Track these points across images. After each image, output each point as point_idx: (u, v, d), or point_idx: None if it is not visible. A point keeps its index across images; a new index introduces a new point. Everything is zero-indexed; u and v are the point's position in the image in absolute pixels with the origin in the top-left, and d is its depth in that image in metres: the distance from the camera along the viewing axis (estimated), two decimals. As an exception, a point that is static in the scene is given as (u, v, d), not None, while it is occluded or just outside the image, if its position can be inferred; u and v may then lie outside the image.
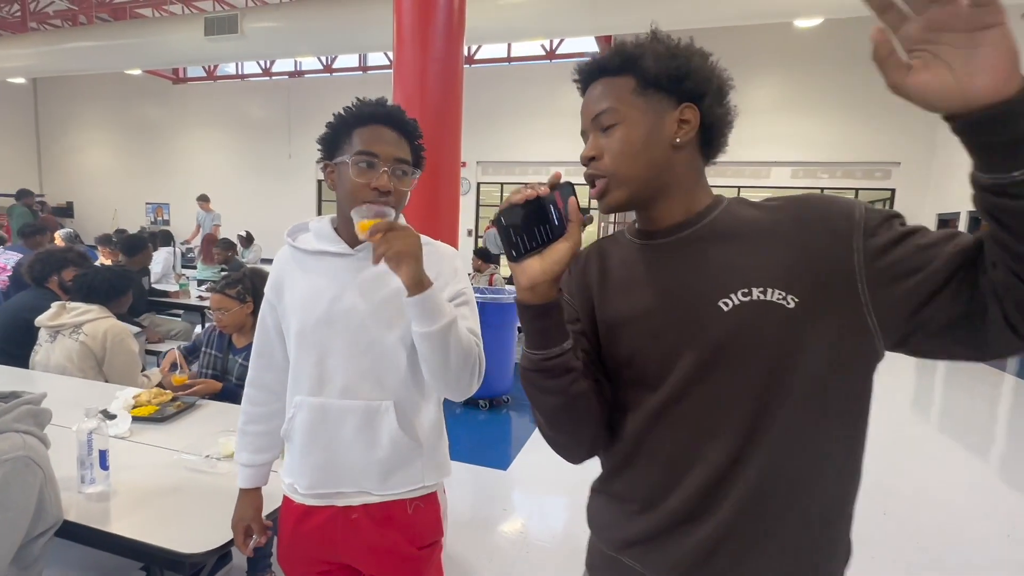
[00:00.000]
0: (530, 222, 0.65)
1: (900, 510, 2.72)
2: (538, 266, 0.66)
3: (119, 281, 2.38)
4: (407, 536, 1.01)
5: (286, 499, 1.06)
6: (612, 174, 0.71)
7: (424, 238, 1.04)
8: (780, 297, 0.63)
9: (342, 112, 0.98)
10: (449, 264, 1.03)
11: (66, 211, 15.47)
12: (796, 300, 0.62)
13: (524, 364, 0.72)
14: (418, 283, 0.86)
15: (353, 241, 1.00)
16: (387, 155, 0.94)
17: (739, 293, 0.64)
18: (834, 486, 0.69)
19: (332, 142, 0.99)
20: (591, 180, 0.73)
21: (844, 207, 0.64)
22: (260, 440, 1.10)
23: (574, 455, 0.78)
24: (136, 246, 4.15)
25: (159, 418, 1.73)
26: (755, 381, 0.64)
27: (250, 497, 1.11)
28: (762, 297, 0.63)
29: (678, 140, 0.70)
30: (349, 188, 0.95)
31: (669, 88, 0.69)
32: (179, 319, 4.46)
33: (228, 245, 5.77)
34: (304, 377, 0.99)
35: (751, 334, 0.64)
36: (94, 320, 2.22)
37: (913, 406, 4.74)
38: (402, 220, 1.03)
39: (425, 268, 0.94)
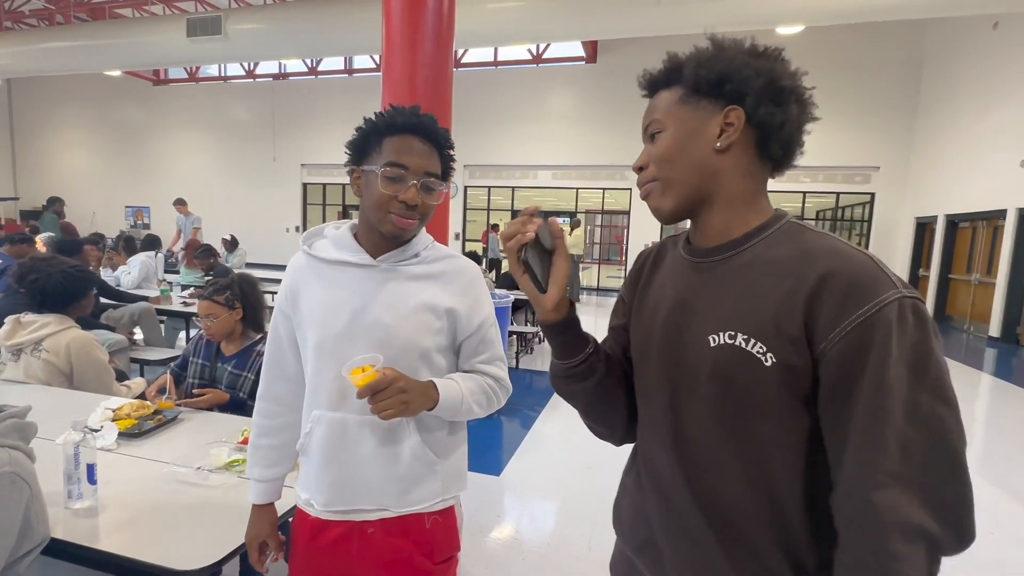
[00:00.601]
0: (539, 256, 0.73)
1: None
2: (554, 289, 0.73)
3: (75, 283, 2.12)
4: (424, 551, 0.99)
5: (300, 512, 1.03)
6: (656, 177, 0.72)
7: (445, 249, 1.03)
8: (760, 351, 0.62)
9: (373, 118, 0.95)
10: (474, 289, 1.01)
11: (42, 215, 15.09)
12: (774, 359, 0.62)
13: (553, 371, 0.80)
14: (425, 409, 0.91)
15: (376, 251, 0.97)
16: (417, 168, 0.92)
17: (726, 334, 0.65)
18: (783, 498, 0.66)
19: (361, 148, 0.96)
20: (641, 186, 0.76)
21: (863, 290, 0.58)
22: (273, 454, 1.07)
23: (611, 439, 0.86)
24: (71, 251, 3.81)
25: (136, 432, 1.66)
26: (714, 414, 0.67)
27: (264, 512, 1.08)
28: (743, 346, 0.63)
29: (719, 144, 0.68)
30: (376, 199, 0.92)
31: (712, 93, 0.69)
32: (112, 331, 4.23)
33: (208, 253, 5.65)
34: (323, 391, 0.96)
35: (722, 375, 0.65)
36: (53, 334, 2.04)
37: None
38: (423, 237, 1.02)
39: (453, 289, 0.98)
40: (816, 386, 0.61)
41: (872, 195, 10.45)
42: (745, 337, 0.63)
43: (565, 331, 0.75)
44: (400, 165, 0.91)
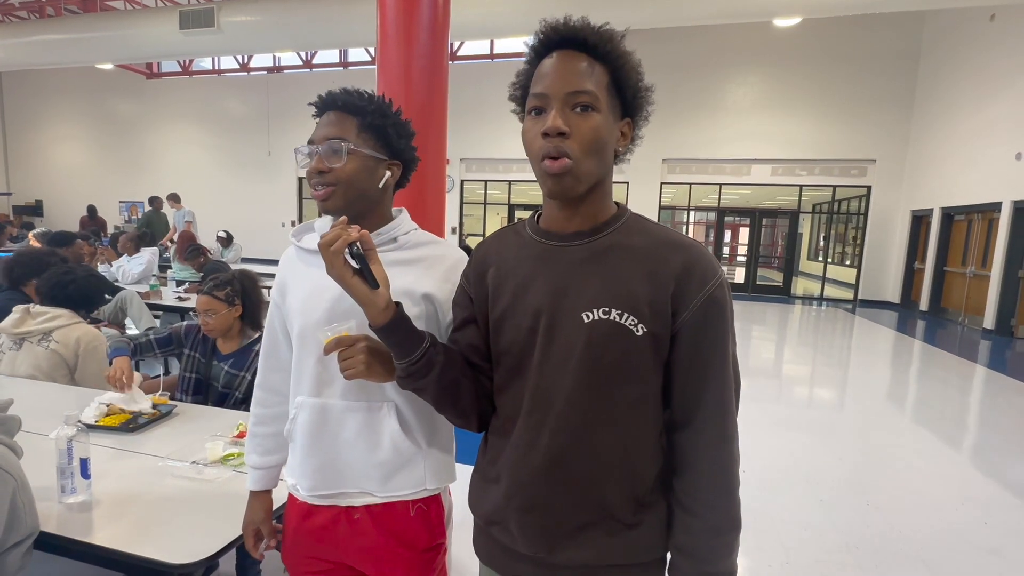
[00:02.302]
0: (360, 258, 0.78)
1: (882, 501, 2.78)
2: (383, 287, 0.79)
3: (95, 290, 2.25)
4: (409, 538, 1.00)
5: (290, 496, 1.05)
6: (576, 159, 0.72)
7: (429, 236, 1.04)
8: (632, 323, 0.73)
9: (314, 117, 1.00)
10: (455, 276, 0.99)
11: (35, 209, 14.98)
12: (645, 329, 0.73)
13: (397, 373, 0.82)
14: (392, 378, 0.89)
15: None
16: (320, 138, 0.94)
17: (600, 310, 0.74)
18: (641, 464, 0.80)
19: None
20: (556, 154, 0.71)
21: (705, 273, 0.74)
22: (269, 442, 1.08)
23: (469, 427, 0.89)
24: (61, 243, 3.86)
25: (131, 427, 1.65)
26: (587, 383, 0.75)
27: (260, 500, 1.09)
28: (617, 319, 0.73)
29: (620, 148, 0.78)
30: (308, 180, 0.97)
31: (623, 98, 0.75)
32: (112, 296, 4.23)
33: (197, 252, 5.59)
34: (306, 377, 0.98)
35: (597, 346, 0.74)
36: (65, 326, 2.10)
37: (890, 398, 4.86)
38: (403, 222, 1.01)
39: (433, 275, 0.97)
40: (670, 351, 0.76)
41: (868, 188, 10.47)
42: (619, 312, 0.73)
43: (398, 329, 0.79)
44: (309, 142, 0.96)
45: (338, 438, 0.96)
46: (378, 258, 0.81)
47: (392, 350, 0.81)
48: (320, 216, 1.05)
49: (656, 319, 0.73)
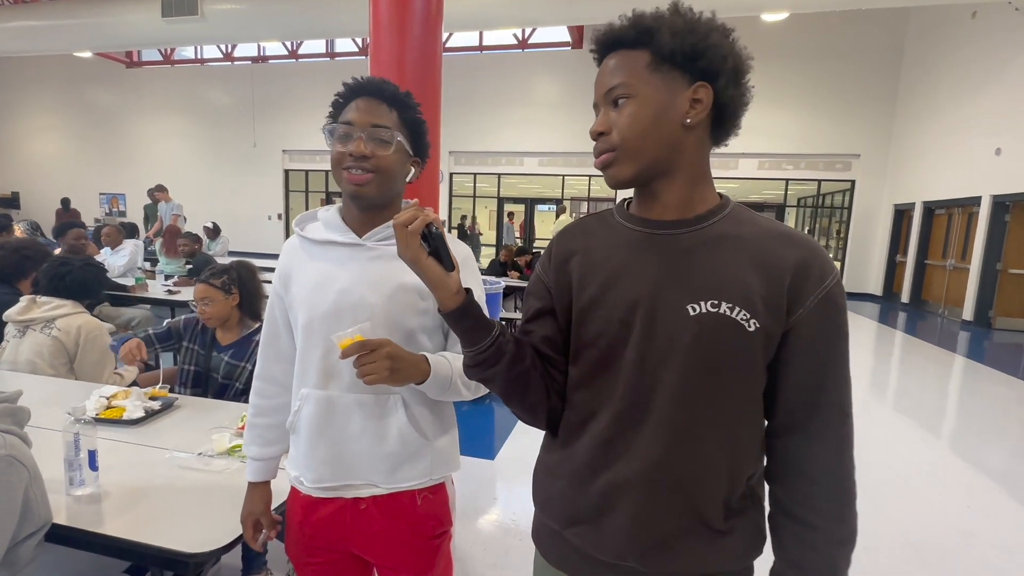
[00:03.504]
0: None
1: (868, 486, 2.86)
2: (456, 271, 0.76)
3: (92, 279, 2.27)
4: (416, 526, 1.01)
5: (293, 489, 1.04)
6: (620, 147, 0.71)
7: None
8: (744, 318, 0.68)
9: (336, 97, 0.98)
10: (463, 270, 0.98)
11: (11, 202, 14.58)
12: (757, 325, 0.68)
13: (465, 361, 0.79)
14: (412, 382, 0.89)
15: (360, 228, 0.98)
16: (362, 122, 0.93)
17: (708, 303, 0.69)
18: (731, 476, 0.74)
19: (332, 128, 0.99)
20: (599, 154, 0.73)
21: (823, 270, 0.69)
22: (269, 433, 1.08)
23: (537, 424, 0.84)
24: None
25: (129, 420, 1.64)
26: (695, 381, 0.70)
27: (259, 491, 1.09)
28: (728, 313, 0.68)
29: (689, 120, 0.69)
30: (333, 159, 0.95)
31: (684, 65, 0.68)
32: (135, 307, 4.25)
33: (194, 238, 5.54)
34: (311, 370, 0.97)
35: (705, 341, 0.69)
36: (67, 315, 2.11)
37: (872, 388, 4.98)
38: (430, 212, 1.01)
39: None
40: (779, 349, 0.71)
41: (852, 182, 10.64)
42: (730, 305, 0.68)
43: (468, 315, 0.75)
44: (346, 122, 0.93)
45: (345, 431, 0.96)
46: (447, 243, 0.78)
47: (460, 337, 0.77)
48: (324, 207, 1.05)
49: (770, 314, 0.68)
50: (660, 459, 0.72)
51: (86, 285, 2.22)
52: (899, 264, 10.04)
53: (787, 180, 11.04)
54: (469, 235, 11.88)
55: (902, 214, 10.00)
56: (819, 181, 11.05)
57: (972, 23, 8.14)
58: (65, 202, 11.20)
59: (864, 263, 10.76)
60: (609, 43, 0.72)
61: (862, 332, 7.45)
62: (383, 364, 0.83)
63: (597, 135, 0.73)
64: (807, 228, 13.97)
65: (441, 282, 0.74)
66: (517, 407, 0.81)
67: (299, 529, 1.03)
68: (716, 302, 0.68)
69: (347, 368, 0.95)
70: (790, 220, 15.68)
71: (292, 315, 1.01)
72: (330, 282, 0.95)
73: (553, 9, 6.82)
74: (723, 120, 0.72)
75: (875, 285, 10.67)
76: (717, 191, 0.76)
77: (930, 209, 9.09)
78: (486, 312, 0.80)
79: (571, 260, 0.80)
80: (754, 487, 0.76)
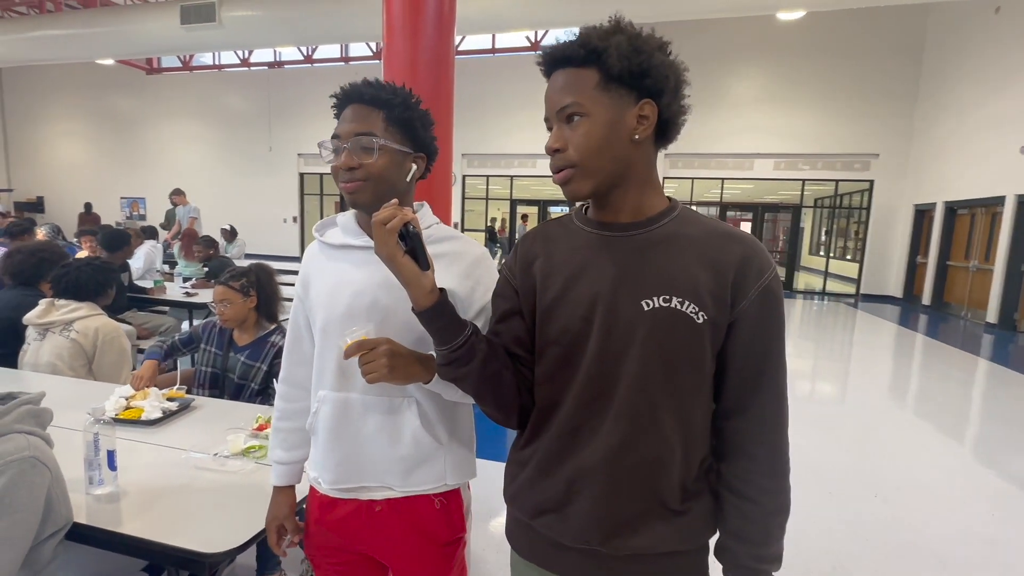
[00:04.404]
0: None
1: (889, 492, 2.80)
2: (431, 273, 0.79)
3: (102, 276, 2.31)
4: (430, 532, 1.01)
5: (312, 488, 1.05)
6: (577, 165, 0.76)
7: (449, 230, 1.04)
8: (693, 311, 0.74)
9: (333, 109, 0.98)
10: (477, 272, 1.00)
11: (36, 206, 14.97)
12: (705, 317, 0.74)
13: (438, 360, 0.83)
14: (415, 380, 0.89)
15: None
16: (347, 133, 0.92)
17: (660, 298, 0.74)
18: (684, 464, 0.80)
19: None
20: (557, 169, 0.78)
21: (762, 265, 0.75)
22: (293, 437, 1.09)
23: (508, 423, 0.88)
24: (117, 241, 4.05)
25: (147, 421, 1.67)
26: (651, 370, 0.75)
27: (284, 495, 1.09)
28: (679, 307, 0.74)
29: (637, 137, 0.75)
30: (332, 171, 0.96)
31: (631, 84, 0.73)
32: (165, 315, 4.36)
33: (209, 243, 5.62)
34: (328, 372, 0.98)
35: (658, 334, 0.74)
36: (85, 317, 2.16)
37: (893, 392, 4.88)
38: (425, 216, 1.01)
39: (454, 271, 0.96)
40: (725, 339, 0.77)
41: (871, 182, 10.45)
42: (680, 300, 0.74)
43: (441, 315, 0.79)
44: (335, 136, 0.94)
45: (360, 432, 0.97)
46: (424, 243, 0.81)
47: (434, 336, 0.80)
48: (345, 210, 1.06)
49: (716, 307, 0.74)
50: (621, 444, 0.77)
51: (97, 282, 2.25)
52: (920, 265, 9.84)
53: (803, 180, 10.89)
54: (498, 239, 11.90)
55: (923, 214, 9.81)
56: (836, 181, 10.87)
57: (996, 18, 7.97)
58: (87, 206, 11.56)
59: (883, 265, 10.56)
60: (559, 60, 0.76)
61: (882, 335, 7.31)
62: (381, 362, 0.83)
63: (553, 151, 0.77)
64: (824, 229, 13.79)
65: (415, 280, 0.78)
66: (490, 406, 0.85)
67: (316, 528, 1.04)
68: (668, 297, 0.74)
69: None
70: (807, 221, 15.51)
71: (311, 318, 1.02)
72: (345, 285, 0.96)
73: (565, 11, 6.81)
74: (666, 131, 0.78)
75: (895, 287, 10.47)
76: (667, 195, 0.83)
77: (952, 209, 8.89)
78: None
79: (535, 263, 0.85)
80: (707, 470, 0.83)
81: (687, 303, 0.73)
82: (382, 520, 0.99)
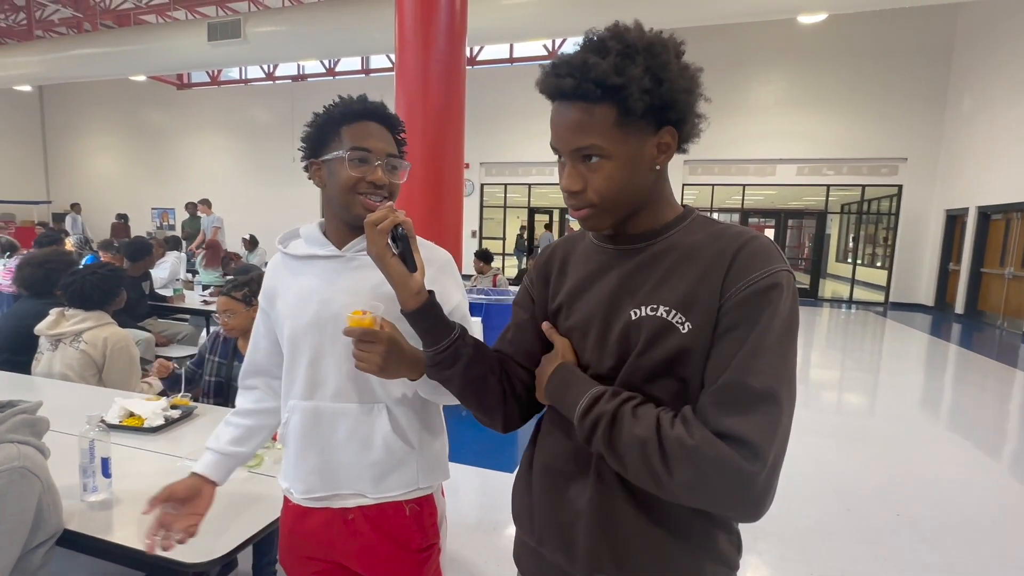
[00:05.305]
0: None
1: (913, 510, 2.68)
2: (419, 272, 0.80)
3: (108, 282, 2.30)
4: (402, 539, 1.01)
5: (285, 499, 1.06)
6: (599, 205, 0.73)
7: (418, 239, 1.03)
8: (679, 320, 0.69)
9: (327, 109, 0.98)
10: (443, 277, 1.01)
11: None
12: (690, 326, 0.69)
13: (425, 362, 0.83)
14: (405, 376, 0.88)
15: (341, 242, 1.00)
16: (379, 150, 0.96)
17: (648, 308, 0.72)
18: None
19: (318, 140, 0.99)
20: (576, 208, 0.75)
21: (754, 262, 0.67)
22: (237, 433, 1.11)
23: (494, 426, 0.86)
24: (140, 251, 4.17)
25: (149, 428, 1.69)
26: (629, 381, 0.73)
27: (197, 481, 1.05)
28: (664, 316, 0.70)
29: (658, 166, 0.72)
30: (343, 182, 0.94)
31: (650, 116, 0.69)
32: (185, 323, 4.47)
33: (227, 261, 5.80)
34: (297, 381, 0.99)
35: (644, 342, 0.71)
36: (94, 328, 2.19)
37: (923, 404, 4.68)
38: (400, 214, 1.01)
39: (427, 279, 0.94)
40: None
41: (899, 187, 10.15)
42: (667, 309, 0.70)
43: (428, 316, 0.79)
44: (364, 148, 0.95)
45: (331, 440, 0.98)
46: (417, 245, 0.82)
47: (421, 337, 0.81)
48: (306, 224, 1.07)
49: (704, 314, 0.68)
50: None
51: (103, 291, 2.26)
52: (952, 273, 9.48)
53: (828, 186, 10.63)
54: (527, 246, 11.91)
55: (954, 220, 9.46)
56: (863, 186, 10.59)
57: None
58: (122, 217, 12.16)
59: (913, 272, 10.21)
60: (568, 95, 0.69)
61: (912, 345, 7.05)
62: (375, 360, 0.83)
63: (570, 192, 0.73)
64: (851, 235, 13.43)
65: (403, 282, 0.79)
66: (474, 408, 0.85)
67: (289, 538, 1.05)
68: (655, 306, 0.71)
69: (332, 377, 0.97)
70: (833, 227, 15.11)
71: (278, 330, 1.03)
72: (312, 294, 0.98)
73: (581, 20, 6.82)
74: (683, 143, 0.74)
75: (926, 295, 10.11)
76: (683, 204, 0.80)
77: (985, 214, 8.56)
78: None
79: (552, 274, 0.86)
80: None
81: (673, 311, 0.70)
82: (355, 529, 1.00)
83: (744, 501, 0.63)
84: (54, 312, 2.23)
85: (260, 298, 1.06)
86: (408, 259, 0.79)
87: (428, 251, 1.01)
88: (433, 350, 0.80)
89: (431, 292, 0.81)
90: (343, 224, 0.99)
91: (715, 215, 12.20)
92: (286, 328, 0.99)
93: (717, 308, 0.67)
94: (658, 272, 0.73)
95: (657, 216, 0.76)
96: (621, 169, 0.70)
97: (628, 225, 0.76)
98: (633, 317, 0.72)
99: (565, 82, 0.68)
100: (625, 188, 0.71)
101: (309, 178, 1.01)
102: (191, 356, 3.64)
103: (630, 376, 0.72)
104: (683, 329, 0.69)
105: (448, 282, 1.02)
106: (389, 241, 0.79)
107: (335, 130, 0.97)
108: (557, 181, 0.77)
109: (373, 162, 0.95)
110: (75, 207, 12.30)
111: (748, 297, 0.65)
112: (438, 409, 1.08)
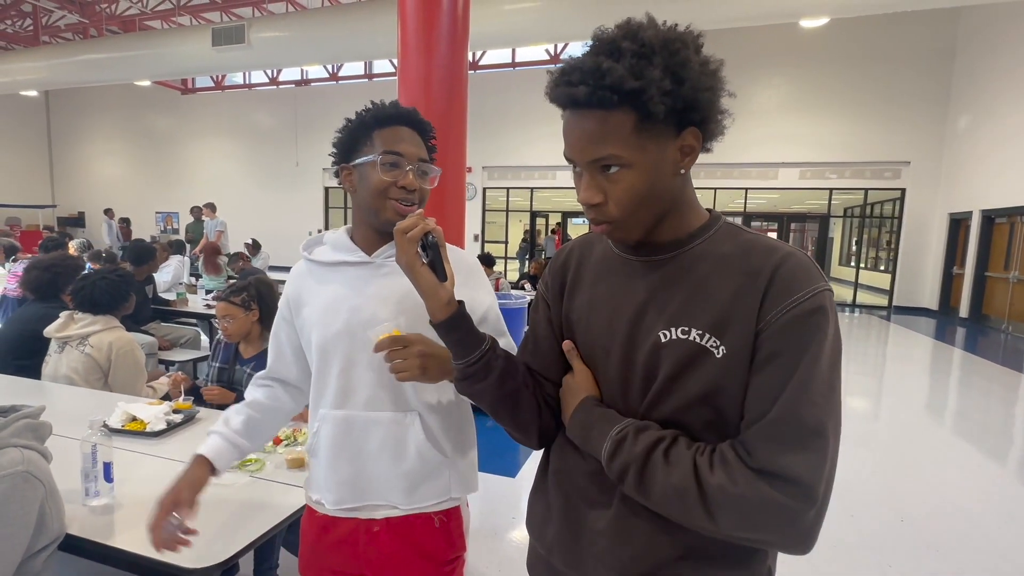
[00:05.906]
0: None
1: (918, 517, 2.66)
2: (449, 281, 0.77)
3: (117, 288, 2.32)
4: (429, 551, 0.99)
5: (308, 509, 1.04)
6: (621, 218, 0.67)
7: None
8: (714, 345, 0.64)
9: (359, 115, 0.97)
10: (472, 280, 1.00)
11: (78, 221, 15.64)
12: (725, 351, 0.64)
13: (455, 375, 0.79)
14: (445, 378, 0.87)
15: (370, 248, 0.99)
16: (411, 155, 0.95)
17: (679, 330, 0.66)
18: None
19: (349, 145, 0.98)
20: (597, 222, 0.70)
21: (793, 283, 0.62)
22: (249, 424, 1.08)
23: (528, 443, 0.82)
24: (143, 255, 4.18)
25: (151, 432, 1.70)
26: (665, 406, 0.67)
27: (199, 471, 1.03)
28: (698, 340, 0.65)
29: (682, 171, 0.68)
30: (374, 186, 0.93)
31: (672, 118, 0.63)
32: (188, 327, 4.48)
33: (236, 258, 5.83)
34: (327, 390, 0.97)
35: (675, 367, 0.66)
36: (100, 332, 2.21)
37: (928, 409, 4.65)
38: (431, 222, 1.01)
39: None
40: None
41: (903, 191, 10.12)
42: (699, 332, 0.65)
43: (458, 327, 0.76)
44: (396, 153, 0.94)
45: (363, 450, 0.96)
46: (447, 254, 0.80)
47: (450, 349, 0.77)
48: (329, 230, 1.07)
49: (741, 338, 0.63)
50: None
51: (113, 296, 2.28)
52: (956, 276, 9.44)
53: (831, 189, 10.61)
54: (530, 250, 11.90)
55: (958, 223, 9.43)
56: (866, 190, 10.56)
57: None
58: (125, 221, 12.21)
59: (917, 276, 10.17)
60: (581, 103, 0.64)
61: (916, 349, 7.01)
62: (414, 362, 0.82)
63: (589, 205, 0.68)
64: (854, 239, 13.41)
65: (433, 291, 0.76)
66: (508, 425, 0.80)
67: (312, 550, 1.03)
68: (687, 328, 0.66)
69: (364, 386, 0.95)
70: (836, 230, 15.07)
71: (304, 339, 1.02)
72: (341, 301, 0.96)
73: (583, 25, 6.84)
74: (707, 142, 0.69)
75: (930, 299, 10.06)
76: (708, 208, 0.74)
77: (989, 218, 8.53)
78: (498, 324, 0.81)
79: (567, 279, 0.81)
80: None
81: (706, 335, 0.64)
82: (380, 540, 0.98)
83: (795, 539, 0.61)
84: (64, 315, 2.26)
85: (282, 305, 1.05)
86: (438, 268, 0.77)
87: (456, 256, 0.99)
88: (463, 362, 0.75)
89: (460, 302, 0.78)
90: (372, 230, 0.98)
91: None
92: (314, 337, 0.97)
93: (755, 332, 0.62)
94: (687, 287, 0.67)
95: (683, 224, 0.70)
96: (643, 178, 0.65)
97: (652, 234, 0.70)
98: (663, 339, 0.67)
99: (578, 90, 0.62)
100: (648, 198, 0.66)
101: (340, 184, 1.00)
102: (193, 359, 3.67)
103: (659, 404, 0.68)
104: (717, 354, 0.64)
105: (477, 287, 1.00)
106: (419, 249, 0.77)
107: (367, 134, 0.96)
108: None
109: (405, 166, 0.93)
110: (108, 212, 11.54)
111: (791, 322, 0.60)
112: (470, 419, 1.06)
